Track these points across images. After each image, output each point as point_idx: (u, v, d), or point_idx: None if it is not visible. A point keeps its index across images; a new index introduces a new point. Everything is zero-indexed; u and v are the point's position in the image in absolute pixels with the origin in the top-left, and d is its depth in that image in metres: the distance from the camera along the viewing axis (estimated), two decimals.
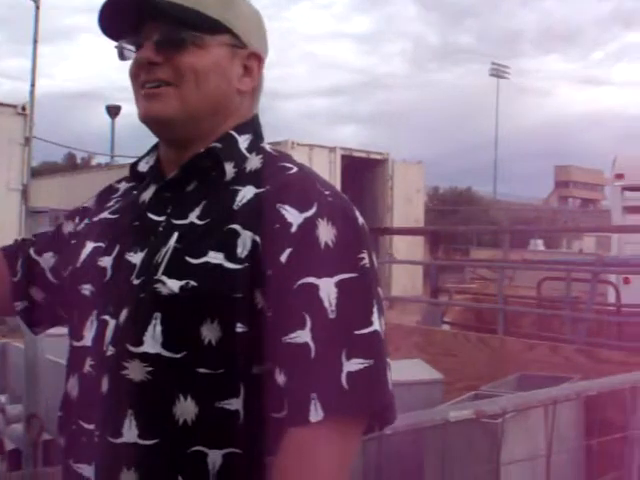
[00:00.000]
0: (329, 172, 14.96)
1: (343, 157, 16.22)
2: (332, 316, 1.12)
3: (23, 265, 1.47)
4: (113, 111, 31.71)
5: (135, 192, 1.35)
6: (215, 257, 1.16)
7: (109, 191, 1.44)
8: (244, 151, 1.29)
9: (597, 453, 3.55)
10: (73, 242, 1.41)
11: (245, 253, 1.16)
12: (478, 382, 4.30)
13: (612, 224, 10.44)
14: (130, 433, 1.16)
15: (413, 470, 3.39)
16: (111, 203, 1.39)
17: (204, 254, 1.17)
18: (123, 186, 1.43)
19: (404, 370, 4.43)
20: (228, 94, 1.29)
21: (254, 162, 1.29)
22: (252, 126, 1.34)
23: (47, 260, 1.45)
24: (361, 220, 1.22)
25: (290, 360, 1.12)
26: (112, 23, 1.30)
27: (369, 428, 1.19)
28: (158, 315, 1.16)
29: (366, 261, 1.18)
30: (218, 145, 1.28)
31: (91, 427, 1.21)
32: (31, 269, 1.46)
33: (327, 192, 1.21)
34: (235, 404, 1.15)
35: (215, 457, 1.14)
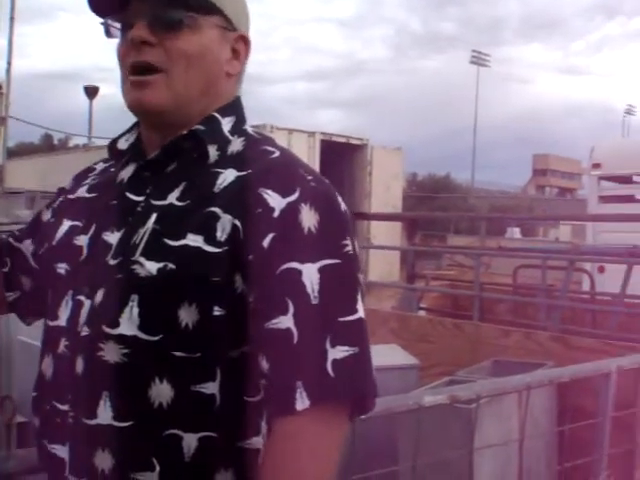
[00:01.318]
0: (308, 157, 14.93)
1: (322, 142, 16.20)
2: (315, 302, 1.11)
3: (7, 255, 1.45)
4: (91, 92, 31.40)
5: (113, 170, 1.34)
6: (194, 240, 1.15)
7: (87, 171, 1.43)
8: (227, 134, 1.28)
9: (569, 439, 3.60)
10: (50, 221, 1.39)
11: (225, 237, 1.15)
12: (453, 367, 4.32)
13: (588, 213, 10.51)
14: (105, 414, 1.15)
15: (387, 455, 3.41)
16: (88, 181, 1.38)
17: (183, 236, 1.16)
18: (100, 166, 1.41)
19: (380, 355, 4.44)
20: (218, 77, 1.28)
21: (236, 145, 1.27)
22: (234, 108, 1.33)
23: (27, 247, 1.44)
24: (344, 206, 1.21)
25: (273, 346, 1.11)
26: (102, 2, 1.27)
27: (349, 415, 1.18)
28: (135, 297, 1.15)
29: (349, 248, 1.17)
30: (201, 127, 1.26)
31: (65, 408, 1.20)
32: (14, 258, 1.44)
33: (310, 177, 1.20)
34: (211, 388, 1.14)
35: (190, 441, 1.13)
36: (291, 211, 1.14)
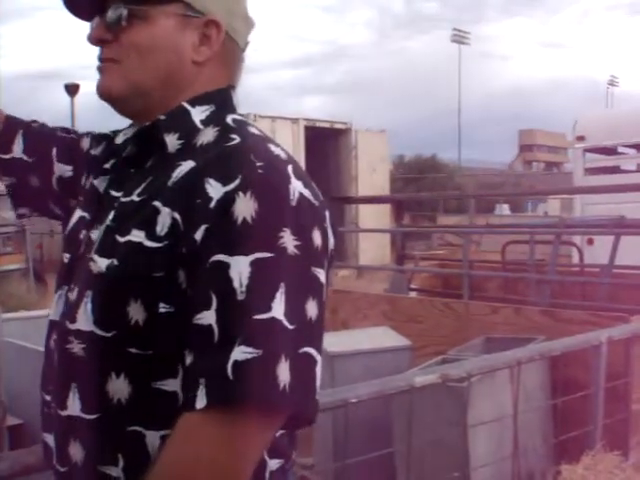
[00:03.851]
0: (293, 143, 14.89)
1: (306, 128, 16.15)
2: (241, 297, 1.05)
3: (27, 146, 1.54)
4: (72, 90, 31.15)
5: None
6: (137, 235, 1.13)
7: (111, 140, 1.39)
8: (198, 123, 1.24)
9: (563, 411, 3.62)
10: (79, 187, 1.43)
11: (165, 231, 1.12)
12: (445, 347, 4.34)
13: (574, 186, 10.54)
14: (74, 406, 1.17)
15: (382, 435, 3.43)
16: (107, 165, 1.35)
17: (128, 232, 1.15)
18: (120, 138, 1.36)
19: (372, 338, 4.46)
20: (180, 66, 1.26)
21: (208, 135, 1.22)
22: (216, 97, 1.28)
23: (60, 168, 1.51)
24: (296, 197, 1.12)
25: (195, 342, 1.07)
26: (79, 6, 1.32)
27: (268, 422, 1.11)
28: (89, 293, 1.16)
29: (284, 240, 1.08)
30: (162, 117, 1.25)
31: (49, 398, 1.25)
32: (42, 160, 1.52)
33: (260, 163, 1.12)
34: (172, 385, 1.11)
35: (153, 438, 1.11)
36: (226, 200, 1.08)
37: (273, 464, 1.19)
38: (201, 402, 1.03)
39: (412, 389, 2.60)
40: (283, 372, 1.04)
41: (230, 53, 1.30)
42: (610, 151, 10.59)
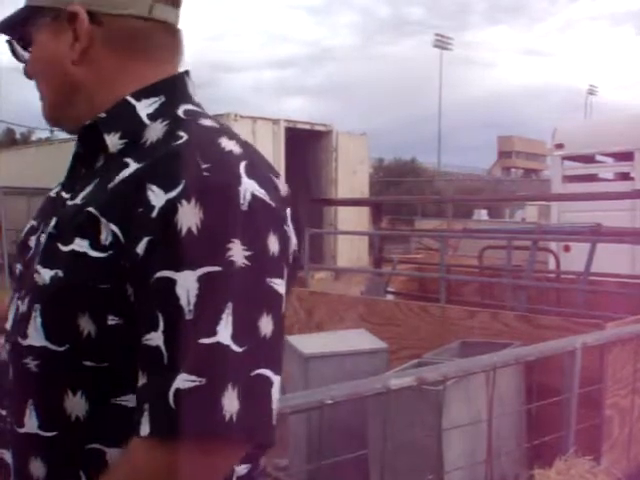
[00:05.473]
0: (273, 144, 14.87)
1: (287, 129, 16.12)
2: (189, 317, 0.98)
3: None
4: None
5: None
6: (80, 245, 1.06)
7: None
8: (144, 118, 1.14)
9: (537, 416, 3.64)
10: None
11: (110, 240, 1.04)
12: (421, 350, 4.35)
13: (552, 193, 10.62)
14: (31, 423, 1.11)
15: (357, 437, 3.43)
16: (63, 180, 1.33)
17: (71, 241, 1.08)
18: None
19: (348, 340, 4.46)
20: (65, 73, 1.19)
21: (156, 131, 1.13)
22: (164, 87, 1.18)
23: None
24: (247, 200, 1.03)
25: (145, 364, 1.00)
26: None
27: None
28: (38, 307, 1.09)
29: (232, 252, 1.00)
30: (102, 115, 1.16)
31: (4, 413, 1.18)
32: None
33: (205, 165, 1.02)
34: (133, 401, 1.03)
35: (115, 456, 1.06)
36: (169, 209, 1.00)
37: (241, 470, 1.14)
38: (144, 430, 0.98)
39: (388, 391, 2.60)
40: (230, 401, 0.97)
41: (120, 31, 1.18)
42: (588, 159, 10.68)
